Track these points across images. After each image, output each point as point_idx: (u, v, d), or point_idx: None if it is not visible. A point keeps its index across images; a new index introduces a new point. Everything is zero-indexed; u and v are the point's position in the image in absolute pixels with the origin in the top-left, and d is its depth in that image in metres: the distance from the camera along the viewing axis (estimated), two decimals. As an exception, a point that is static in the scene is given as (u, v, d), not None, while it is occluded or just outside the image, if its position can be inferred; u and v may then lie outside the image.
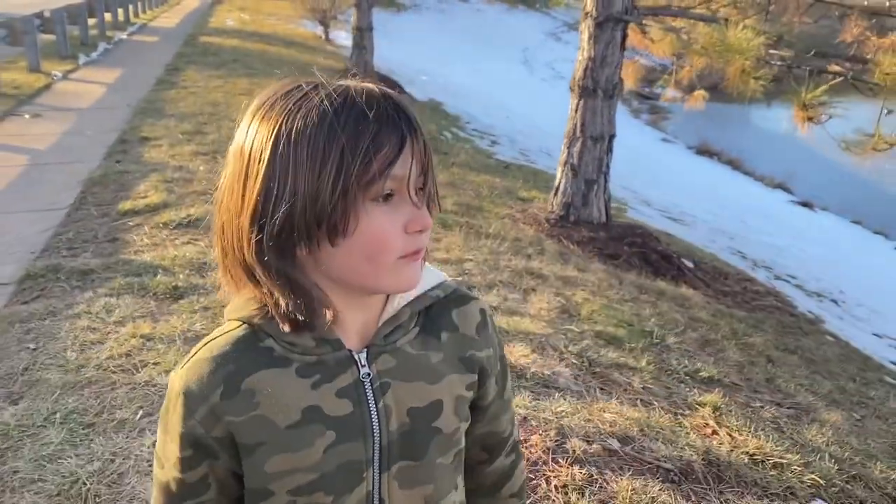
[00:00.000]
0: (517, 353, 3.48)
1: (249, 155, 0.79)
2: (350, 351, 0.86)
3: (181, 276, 3.91)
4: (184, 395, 0.84)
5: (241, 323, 0.86)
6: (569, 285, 4.80)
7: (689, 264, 6.56)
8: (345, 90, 0.79)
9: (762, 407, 3.72)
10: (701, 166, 18.28)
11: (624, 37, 5.50)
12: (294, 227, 0.77)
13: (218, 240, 0.84)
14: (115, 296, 3.67)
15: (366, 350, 0.87)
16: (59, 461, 2.45)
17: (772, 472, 2.95)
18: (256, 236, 0.78)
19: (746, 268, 7.40)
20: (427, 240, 0.85)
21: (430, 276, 0.93)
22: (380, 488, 0.87)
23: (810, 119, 4.28)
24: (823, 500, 2.94)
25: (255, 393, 0.83)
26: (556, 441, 2.73)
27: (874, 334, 6.38)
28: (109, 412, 2.73)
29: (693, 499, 2.59)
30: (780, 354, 4.70)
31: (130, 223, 4.78)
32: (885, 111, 4.32)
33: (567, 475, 2.52)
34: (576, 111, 5.75)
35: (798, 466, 3.02)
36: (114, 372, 2.99)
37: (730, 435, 3.22)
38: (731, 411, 3.43)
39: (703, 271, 6.39)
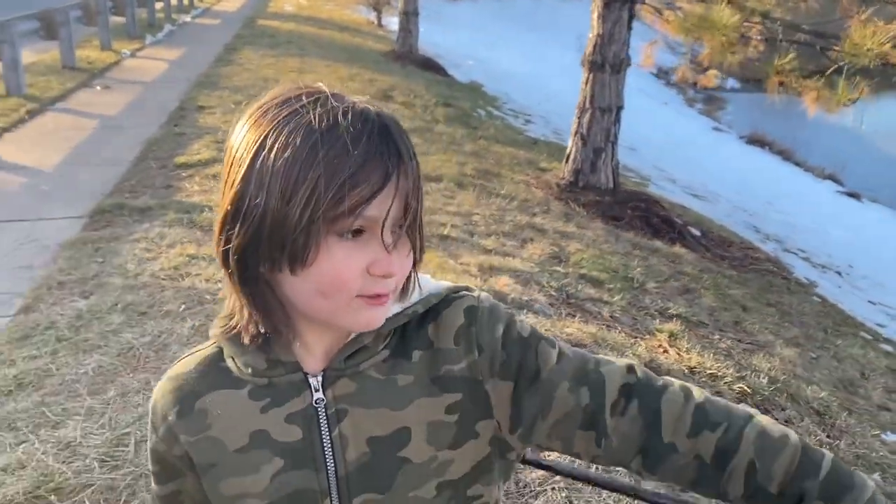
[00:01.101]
0: (501, 283, 4.05)
1: (232, 159, 0.76)
2: (305, 374, 0.82)
3: (223, 213, 4.60)
4: (151, 411, 0.85)
5: (214, 341, 0.86)
6: (566, 238, 5.33)
7: (696, 232, 6.99)
8: (338, 112, 0.73)
9: (720, 339, 4.21)
10: (748, 155, 18.32)
11: (631, 16, 5.98)
12: (258, 246, 0.74)
13: None
14: (167, 227, 4.38)
15: (321, 374, 0.82)
16: (119, 335, 3.14)
17: (704, 380, 3.47)
18: (223, 245, 0.76)
19: (756, 240, 7.77)
20: (395, 284, 0.78)
21: (419, 291, 0.85)
22: None
23: (781, 84, 4.71)
24: (748, 404, 3.45)
25: (207, 413, 0.83)
26: (515, 341, 3.30)
27: (869, 301, 6.72)
28: (159, 306, 3.42)
29: (622, 387, 3.13)
30: (757, 305, 5.15)
31: (184, 174, 5.52)
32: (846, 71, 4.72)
33: (518, 363, 3.09)
34: (586, 84, 6.26)
35: (731, 378, 3.53)
36: (163, 279, 3.68)
37: (678, 353, 3.73)
38: (686, 338, 3.94)
39: (708, 238, 6.82)
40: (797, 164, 17.13)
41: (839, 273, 7.41)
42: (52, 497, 2.18)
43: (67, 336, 3.14)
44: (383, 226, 0.73)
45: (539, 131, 10.83)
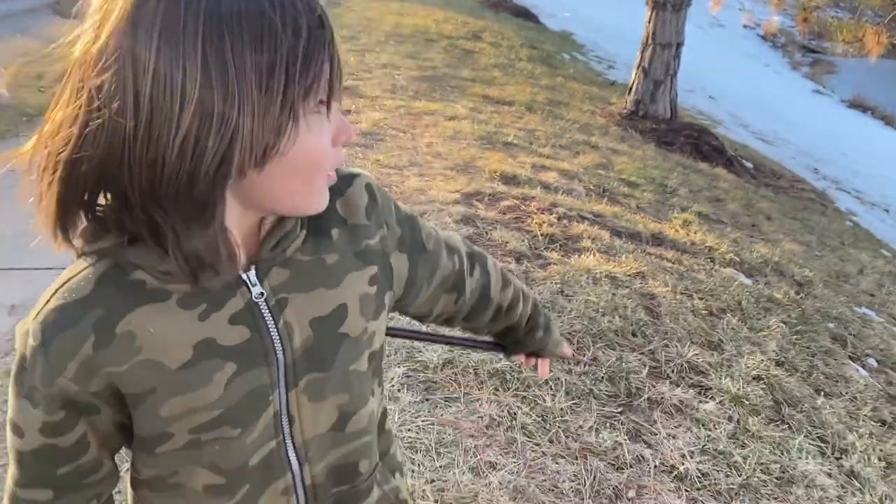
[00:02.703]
0: (547, 176, 4.95)
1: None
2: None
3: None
4: (45, 351, 0.71)
5: (97, 258, 0.72)
6: (616, 154, 6.15)
7: (747, 163, 7.62)
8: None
9: (731, 231, 4.98)
10: (843, 116, 18.13)
11: (692, -41, 6.63)
12: (228, 154, 0.64)
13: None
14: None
15: (254, 267, 0.77)
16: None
17: (701, 247, 4.29)
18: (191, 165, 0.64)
19: (812, 179, 8.28)
20: None
21: None
22: (287, 407, 0.80)
23: (806, 21, 5.31)
24: (735, 269, 4.24)
25: (134, 336, 0.72)
26: (547, 208, 4.22)
27: (908, 234, 7.19)
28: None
29: (625, 241, 4.01)
30: (781, 217, 5.83)
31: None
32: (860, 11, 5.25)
33: (546, 220, 4.01)
34: (649, 21, 6.97)
35: (725, 250, 4.33)
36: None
37: (687, 234, 4.55)
38: (697, 224, 4.74)
39: (758, 170, 7.45)
40: (899, 129, 16.94)
41: (887, 211, 7.85)
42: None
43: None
44: (333, 86, 0.69)
45: (620, 76, 11.44)
